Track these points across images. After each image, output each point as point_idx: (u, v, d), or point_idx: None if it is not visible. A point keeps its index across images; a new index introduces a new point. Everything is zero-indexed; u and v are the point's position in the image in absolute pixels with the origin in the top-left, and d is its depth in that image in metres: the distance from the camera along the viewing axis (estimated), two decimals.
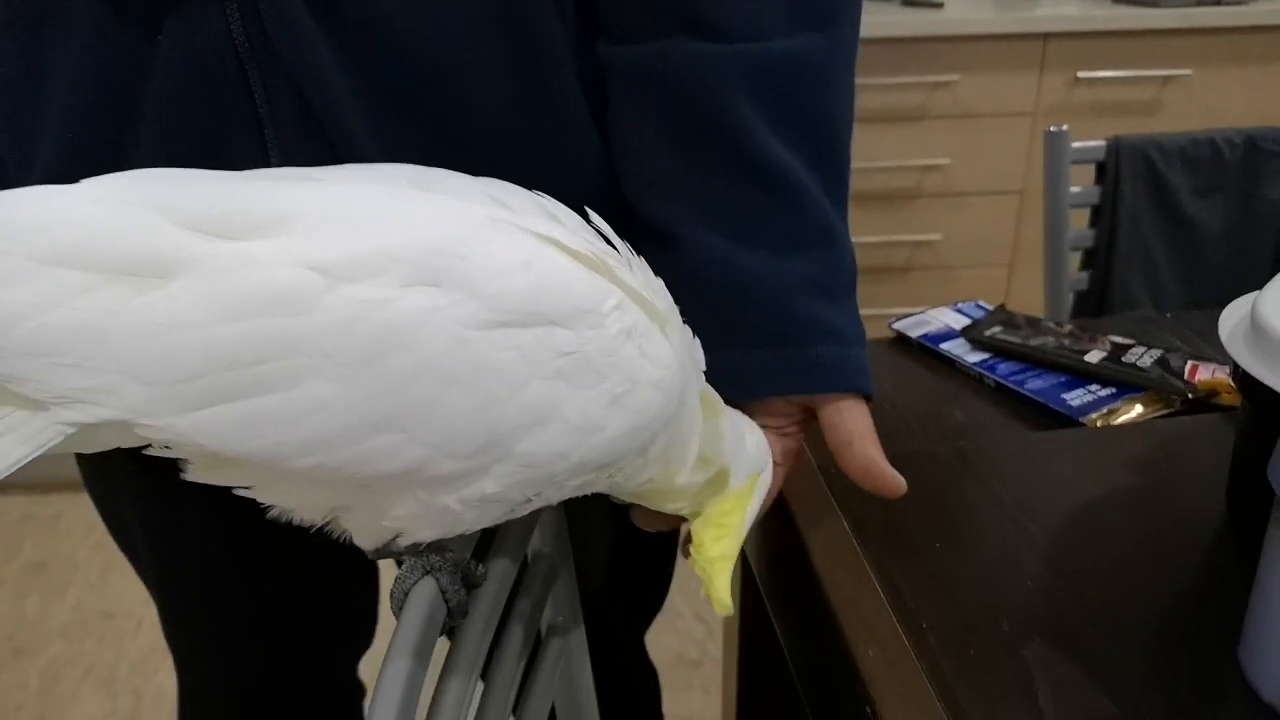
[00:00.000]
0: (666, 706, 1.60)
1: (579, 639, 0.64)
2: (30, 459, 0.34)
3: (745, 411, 0.54)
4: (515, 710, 0.57)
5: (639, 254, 0.51)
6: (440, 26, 0.53)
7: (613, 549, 0.80)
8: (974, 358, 0.83)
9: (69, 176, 0.54)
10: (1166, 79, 1.97)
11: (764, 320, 0.54)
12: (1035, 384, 0.78)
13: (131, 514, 0.70)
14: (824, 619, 0.56)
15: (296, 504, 0.40)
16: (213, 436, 0.35)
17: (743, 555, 0.77)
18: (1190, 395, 0.74)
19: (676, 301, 0.50)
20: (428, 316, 0.36)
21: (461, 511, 0.41)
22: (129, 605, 1.90)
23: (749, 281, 0.53)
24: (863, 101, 2.03)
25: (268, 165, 0.53)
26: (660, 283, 0.46)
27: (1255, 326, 0.51)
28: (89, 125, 0.53)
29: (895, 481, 0.55)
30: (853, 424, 0.55)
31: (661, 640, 1.86)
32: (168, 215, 0.35)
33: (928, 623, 0.53)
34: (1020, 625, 0.53)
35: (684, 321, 0.48)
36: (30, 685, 1.69)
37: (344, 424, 0.36)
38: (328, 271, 0.35)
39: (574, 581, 0.62)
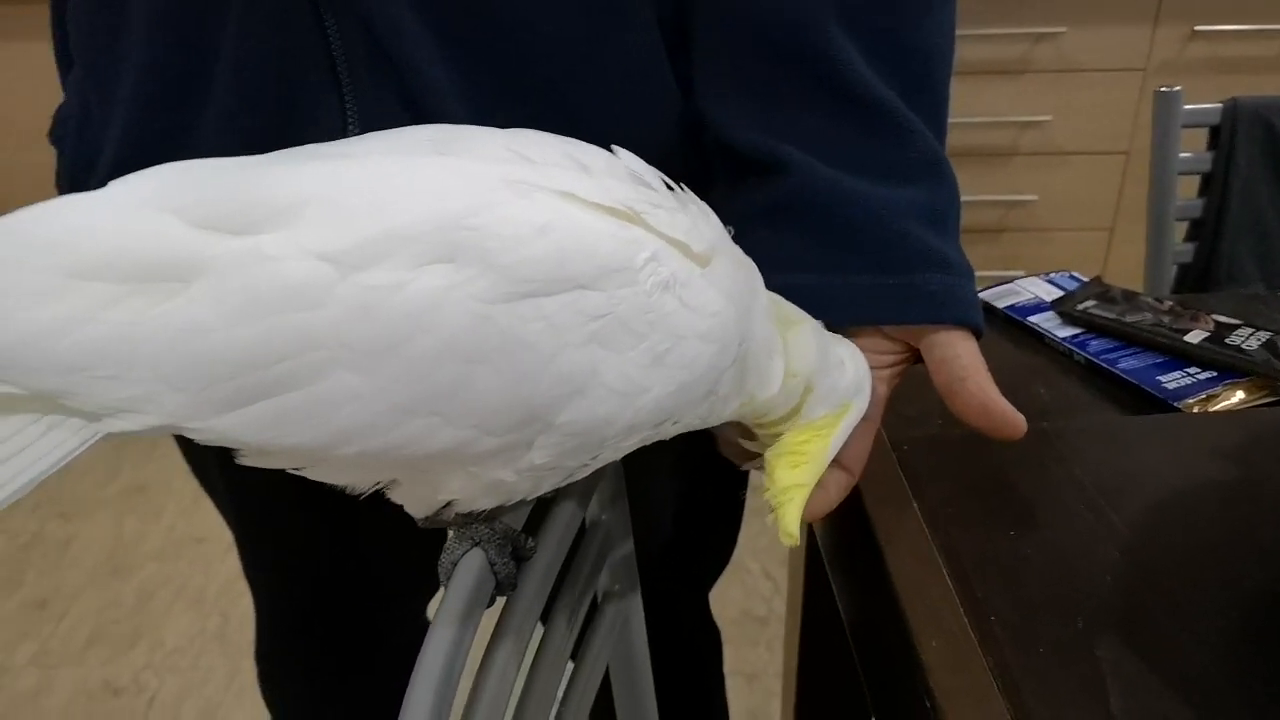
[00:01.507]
0: (731, 663, 1.60)
1: (635, 606, 0.63)
2: (67, 460, 0.35)
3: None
4: (570, 674, 0.57)
5: (741, 183, 0.52)
6: None
7: (677, 506, 0.79)
8: (1064, 332, 0.79)
9: (145, 121, 0.56)
10: None
11: (870, 244, 0.52)
12: (1129, 363, 0.74)
13: (214, 463, 0.72)
14: (887, 604, 0.54)
15: (348, 480, 0.40)
16: (251, 434, 0.35)
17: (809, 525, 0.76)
18: None
19: (780, 230, 0.51)
20: (444, 296, 0.34)
21: (516, 482, 0.40)
22: (218, 531, 1.97)
23: (854, 204, 0.52)
24: (961, 53, 1.93)
25: (341, 107, 0.53)
26: (705, 212, 0.44)
27: None
28: (165, 68, 0.54)
29: (1015, 419, 0.52)
30: (966, 359, 0.52)
31: (729, 596, 1.87)
32: (183, 215, 0.34)
33: (996, 614, 0.51)
34: (1094, 621, 0.50)
35: (779, 245, 0.48)
36: (126, 603, 1.79)
37: (375, 412, 0.35)
38: (337, 260, 0.34)
39: (631, 549, 0.62)
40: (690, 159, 0.61)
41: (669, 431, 0.43)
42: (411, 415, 0.35)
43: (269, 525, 0.76)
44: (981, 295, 0.86)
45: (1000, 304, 0.85)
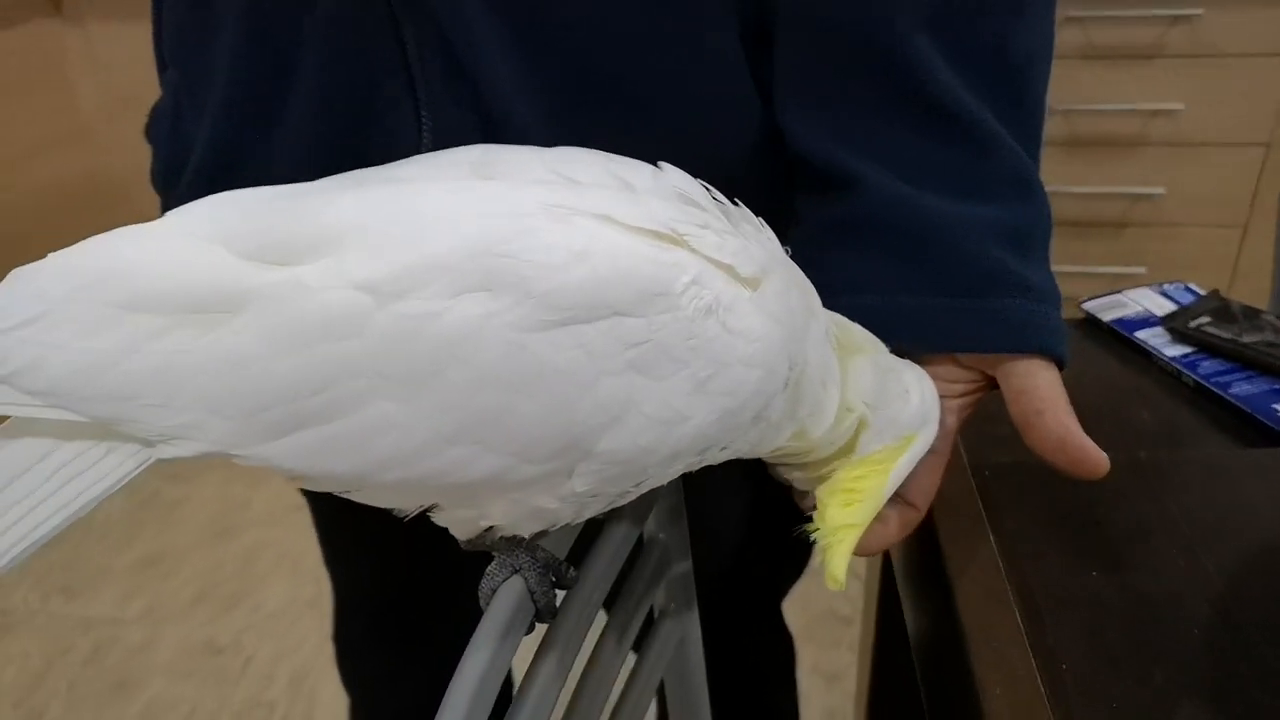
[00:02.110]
0: (812, 662, 1.60)
1: (693, 624, 0.62)
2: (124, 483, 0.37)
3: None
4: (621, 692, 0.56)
5: (818, 198, 0.51)
6: None
7: (749, 519, 0.77)
8: (1173, 351, 0.74)
9: (231, 126, 0.57)
10: None
11: (946, 265, 0.49)
12: (1243, 388, 0.69)
13: None
14: (954, 640, 0.51)
15: (391, 504, 0.40)
16: (295, 462, 0.36)
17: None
18: None
19: (851, 248, 0.50)
20: (481, 324, 0.34)
21: (559, 508, 0.39)
22: None
23: (931, 223, 0.50)
24: (1089, 36, 1.85)
25: (416, 115, 0.53)
26: (759, 231, 0.42)
27: None
28: (249, 75, 0.55)
29: (1096, 457, 0.49)
30: (1043, 391, 0.49)
31: (813, 594, 1.82)
32: (231, 245, 0.35)
33: (1068, 662, 0.48)
34: (1175, 683, 0.47)
35: (850, 263, 0.48)
36: (230, 565, 1.87)
37: (416, 441, 0.35)
38: (375, 289, 0.34)
39: (689, 567, 0.60)
40: (769, 168, 0.59)
41: (717, 458, 0.42)
42: (451, 444, 0.35)
43: (344, 514, 0.77)
44: (1086, 306, 0.82)
45: (1106, 317, 0.80)
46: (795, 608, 1.61)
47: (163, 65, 0.65)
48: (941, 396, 0.50)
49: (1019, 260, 0.50)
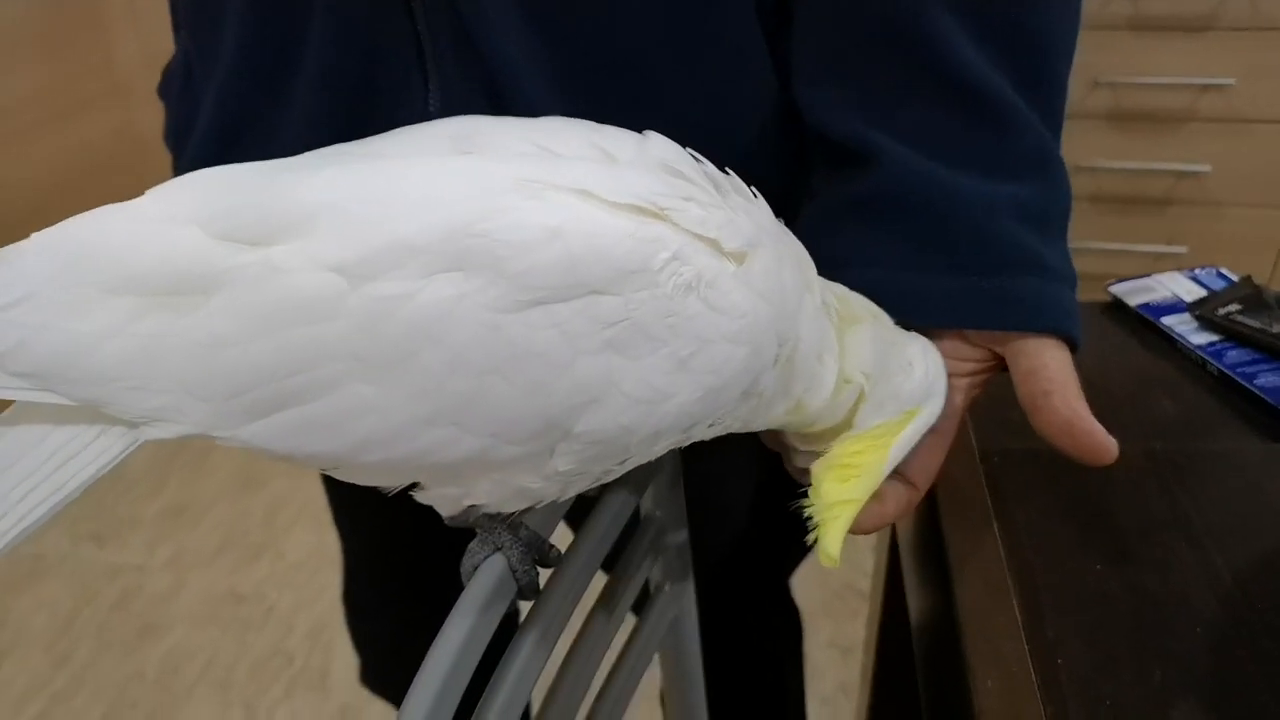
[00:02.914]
0: (830, 635, 1.60)
1: (688, 601, 0.62)
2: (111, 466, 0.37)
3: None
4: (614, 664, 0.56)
5: (835, 174, 0.51)
6: None
7: (756, 491, 0.77)
8: (1200, 338, 0.72)
9: (240, 89, 0.57)
10: None
11: (961, 242, 0.48)
12: (1269, 379, 0.66)
13: None
14: (951, 630, 0.51)
15: (375, 483, 0.40)
16: (274, 443, 0.36)
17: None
18: None
19: (868, 224, 0.49)
20: (454, 305, 0.33)
21: (543, 487, 0.39)
22: None
23: (948, 199, 0.49)
24: (1138, 7, 1.79)
25: (425, 85, 0.53)
26: (750, 202, 0.41)
27: None
28: (259, 40, 0.55)
29: (1104, 443, 0.47)
30: (1052, 371, 0.48)
31: (832, 569, 1.82)
32: (207, 227, 0.35)
33: (1064, 657, 0.47)
34: (1176, 680, 0.46)
35: (866, 239, 0.48)
36: (255, 515, 1.90)
37: (393, 423, 0.35)
38: (347, 271, 0.33)
39: (686, 542, 0.60)
40: (781, 146, 0.57)
41: (705, 434, 0.41)
42: (429, 425, 0.35)
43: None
44: (1113, 289, 0.79)
45: (1133, 301, 0.78)
46: (812, 582, 1.61)
47: (177, 24, 0.65)
48: (949, 375, 0.48)
49: (1036, 239, 0.48)
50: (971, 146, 0.49)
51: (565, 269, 0.34)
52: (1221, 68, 1.75)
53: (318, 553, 1.79)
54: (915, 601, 0.64)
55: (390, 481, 0.40)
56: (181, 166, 0.64)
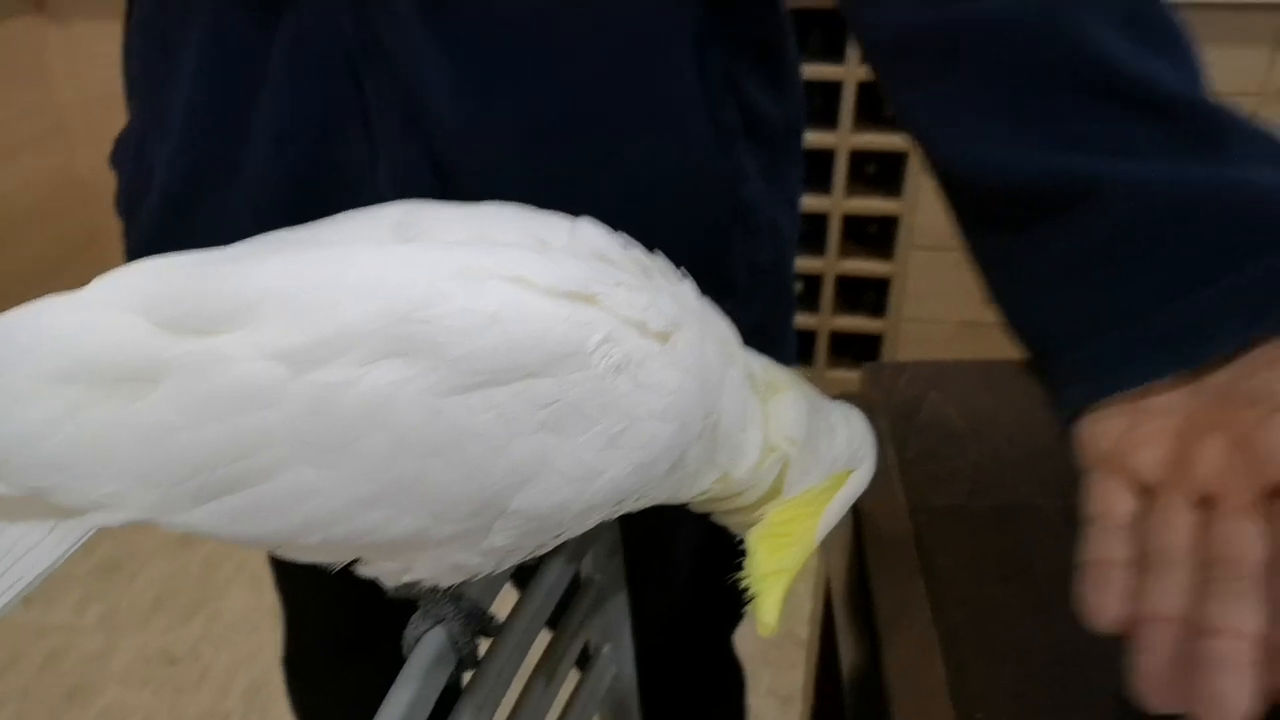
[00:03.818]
0: (769, 684, 1.61)
1: (627, 661, 0.63)
2: (68, 555, 0.38)
3: (1258, 382, 0.38)
4: None
5: (1040, 226, 0.43)
6: (549, 21, 0.52)
7: (698, 552, 0.78)
8: None
9: (191, 158, 0.58)
10: None
11: (1267, 216, 0.39)
12: None
13: None
14: (879, 686, 0.52)
15: (318, 560, 0.41)
16: (220, 527, 0.36)
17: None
18: None
19: (1121, 255, 0.41)
20: (396, 391, 0.34)
21: (480, 562, 0.40)
22: None
23: (1224, 187, 0.40)
24: None
25: (374, 159, 0.54)
26: (674, 284, 0.43)
27: None
28: (208, 111, 0.56)
29: None
30: None
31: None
32: (151, 315, 0.36)
33: (985, 711, 0.49)
34: None
35: (1133, 277, 0.39)
36: (192, 572, 1.86)
37: (335, 505, 0.36)
38: (290, 359, 0.34)
39: (625, 605, 0.61)
40: (717, 207, 0.60)
41: (634, 506, 0.42)
42: (370, 507, 0.36)
43: None
44: None
45: None
46: (752, 632, 1.61)
47: (130, 93, 0.66)
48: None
49: None
50: (1188, 146, 0.42)
51: (504, 354, 0.35)
52: None
53: (255, 611, 1.76)
54: (846, 654, 0.65)
55: (332, 559, 0.40)
56: (133, 235, 0.65)
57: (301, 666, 0.91)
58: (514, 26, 0.52)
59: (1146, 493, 0.38)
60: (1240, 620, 0.33)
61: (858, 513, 0.63)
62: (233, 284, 0.36)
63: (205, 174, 0.57)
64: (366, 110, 0.53)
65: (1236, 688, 0.31)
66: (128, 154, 0.64)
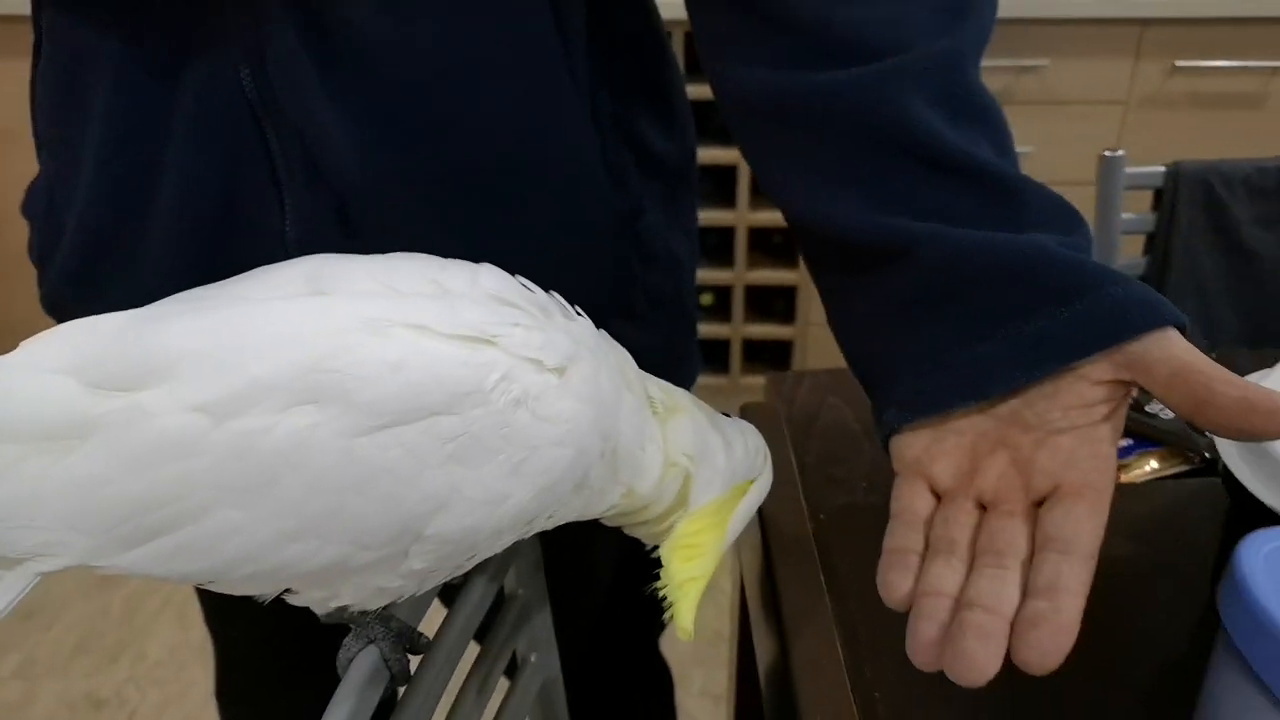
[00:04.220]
0: (702, 684, 1.65)
1: (554, 669, 0.66)
2: (15, 602, 0.40)
3: (1036, 411, 0.43)
4: None
5: (867, 276, 0.48)
6: (444, 78, 0.55)
7: (619, 561, 0.82)
8: None
9: (101, 209, 0.59)
10: (1274, 71, 1.86)
11: (1048, 280, 0.44)
12: None
13: None
14: (786, 675, 0.57)
15: (248, 593, 0.43)
16: (152, 568, 0.39)
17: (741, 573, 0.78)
18: (1208, 455, 0.72)
19: (948, 305, 0.46)
20: (310, 435, 0.38)
21: (402, 585, 0.43)
22: None
23: (1007, 251, 0.45)
24: None
25: (281, 214, 0.56)
26: (571, 322, 0.46)
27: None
28: (116, 168, 0.57)
29: None
30: (1199, 361, 0.42)
31: (701, 616, 1.88)
32: (79, 376, 0.38)
33: (881, 693, 0.54)
34: (970, 704, 0.52)
35: (948, 321, 0.44)
36: (113, 614, 1.82)
37: (260, 541, 0.39)
38: (209, 411, 0.37)
39: (549, 617, 0.65)
40: (618, 247, 0.64)
41: (546, 525, 0.46)
42: (293, 541, 0.39)
43: None
44: None
45: None
46: None
47: (39, 144, 0.67)
48: (1089, 425, 0.43)
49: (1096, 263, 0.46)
50: (992, 211, 0.46)
51: (409, 396, 0.39)
52: (1021, 137, 1.94)
53: (182, 649, 1.74)
54: (761, 649, 0.70)
55: (262, 590, 0.43)
56: (47, 282, 0.66)
57: (234, 699, 0.92)
58: (408, 83, 0.54)
59: (941, 496, 0.45)
60: (996, 600, 0.38)
61: (763, 516, 0.67)
62: (153, 343, 0.39)
63: (116, 225, 0.59)
64: (272, 161, 0.55)
65: (988, 653, 0.37)
66: (39, 204, 0.65)
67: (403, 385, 0.39)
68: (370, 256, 0.45)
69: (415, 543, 0.41)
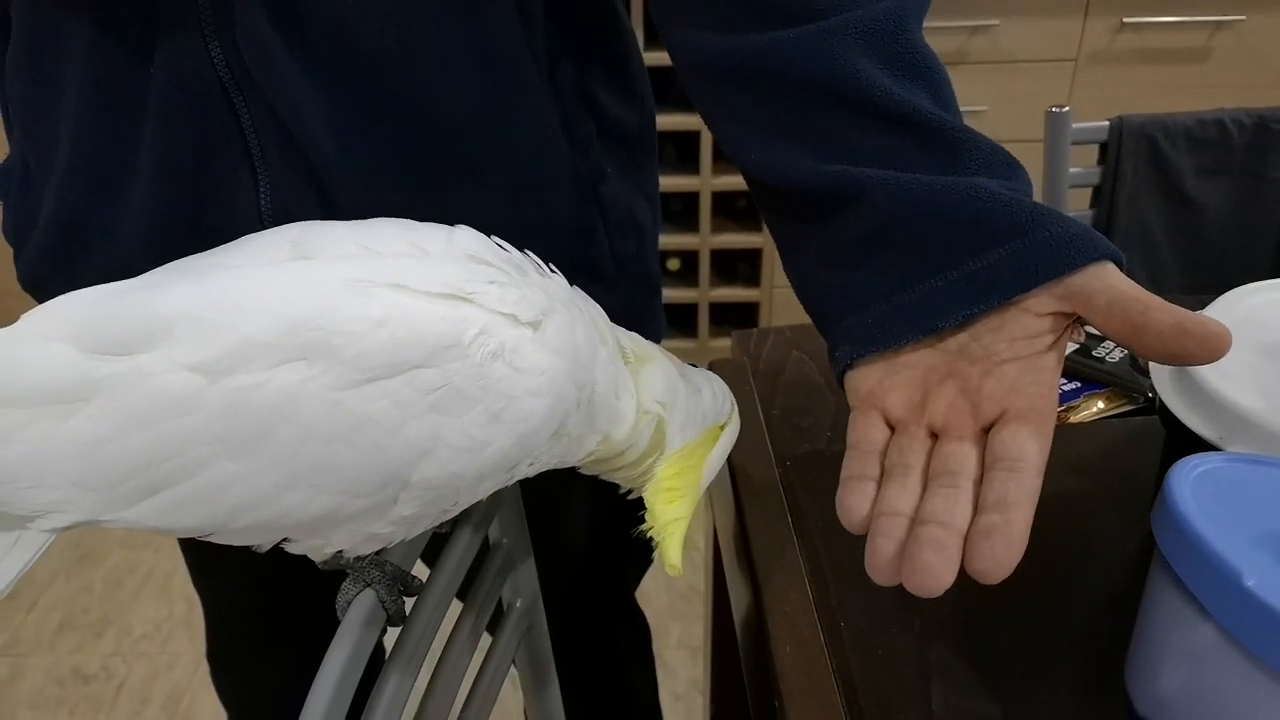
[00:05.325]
0: (678, 636, 1.70)
1: (538, 614, 0.70)
2: (32, 563, 0.43)
3: (983, 344, 0.46)
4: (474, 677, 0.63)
5: (820, 222, 0.50)
6: (408, 48, 0.56)
7: (593, 513, 0.85)
8: None
9: (78, 186, 0.60)
10: (1218, 25, 1.90)
11: (989, 220, 0.46)
12: None
13: None
14: (758, 610, 0.60)
15: (247, 543, 0.46)
16: (156, 521, 0.42)
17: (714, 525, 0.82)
18: (1150, 395, 0.75)
19: (899, 245, 0.48)
20: (300, 389, 0.40)
21: (392, 531, 0.46)
22: None
23: (953, 194, 0.47)
24: None
25: (255, 186, 0.58)
26: (545, 278, 0.49)
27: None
28: (92, 144, 0.59)
29: (1217, 327, 0.43)
30: (1132, 289, 0.44)
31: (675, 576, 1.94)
32: (79, 343, 0.41)
33: (845, 620, 0.57)
34: (930, 626, 0.57)
35: (899, 261, 0.46)
36: (95, 590, 1.84)
37: (257, 490, 0.41)
38: (205, 370, 0.40)
39: (533, 565, 0.68)
40: (582, 211, 0.66)
41: (528, 472, 0.49)
42: (288, 490, 0.42)
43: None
44: None
45: None
46: (660, 589, 1.71)
47: (8, 124, 0.68)
48: (1034, 355, 0.46)
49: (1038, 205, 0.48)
50: (936, 158, 0.48)
51: (391, 351, 0.41)
52: (974, 97, 1.98)
53: (167, 621, 1.76)
54: (734, 594, 0.73)
55: (260, 540, 0.46)
56: (24, 260, 0.67)
57: (226, 659, 0.94)
58: (377, 56, 0.56)
59: (894, 426, 0.48)
60: (949, 516, 0.41)
61: (733, 465, 0.71)
62: (149, 309, 0.41)
63: (93, 201, 0.60)
64: (244, 134, 0.57)
65: (943, 563, 0.40)
66: (12, 183, 0.66)
67: (386, 340, 0.41)
68: (351, 223, 0.47)
69: (403, 489, 0.43)
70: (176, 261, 0.46)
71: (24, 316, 0.43)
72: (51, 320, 0.42)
